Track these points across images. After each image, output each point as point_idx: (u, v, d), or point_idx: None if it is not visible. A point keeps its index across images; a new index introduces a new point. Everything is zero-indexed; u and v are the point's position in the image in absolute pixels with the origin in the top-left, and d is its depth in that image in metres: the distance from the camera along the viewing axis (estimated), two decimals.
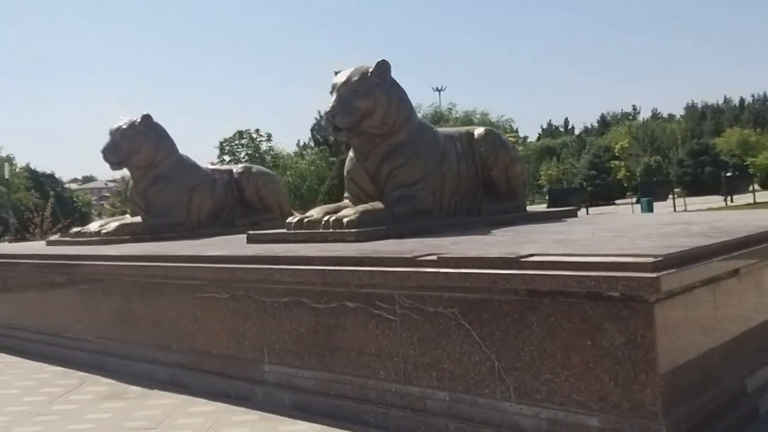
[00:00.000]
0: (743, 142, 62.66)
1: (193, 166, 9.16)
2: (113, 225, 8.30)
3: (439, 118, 42.22)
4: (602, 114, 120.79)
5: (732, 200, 29.72)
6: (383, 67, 6.26)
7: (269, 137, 47.03)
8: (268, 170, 10.26)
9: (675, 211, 24.22)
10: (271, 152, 45.32)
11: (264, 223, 9.35)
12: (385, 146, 6.30)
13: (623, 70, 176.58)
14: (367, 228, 5.65)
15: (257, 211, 9.56)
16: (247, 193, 9.45)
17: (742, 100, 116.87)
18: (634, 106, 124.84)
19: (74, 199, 43.36)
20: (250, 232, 6.46)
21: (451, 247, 4.28)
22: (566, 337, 3.30)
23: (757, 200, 29.47)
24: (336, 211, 6.17)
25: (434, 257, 3.79)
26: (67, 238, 8.53)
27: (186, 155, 9.22)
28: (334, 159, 37.86)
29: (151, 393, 5.14)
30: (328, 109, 6.13)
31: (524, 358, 3.45)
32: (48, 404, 5.05)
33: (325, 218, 5.87)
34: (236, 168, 9.62)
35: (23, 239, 20.53)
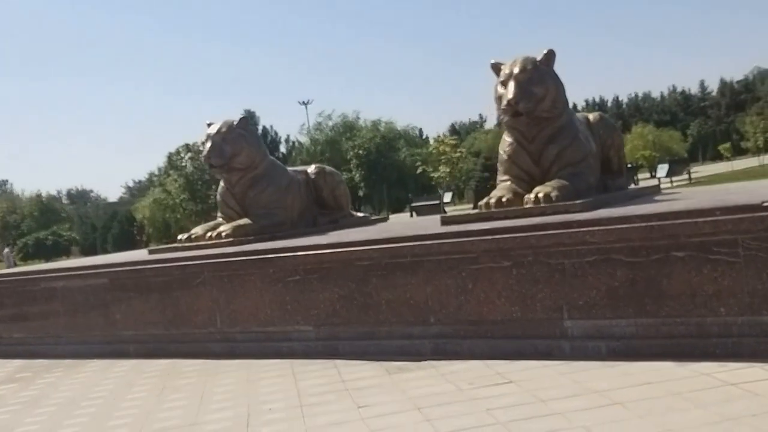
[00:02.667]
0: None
1: (282, 168, 9.14)
2: (225, 228, 8.14)
3: (349, 126, 42.59)
4: (452, 123, 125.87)
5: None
6: (552, 55, 6.74)
7: None
8: (337, 171, 10.32)
9: None
10: None
11: (341, 221, 9.52)
12: (550, 129, 6.75)
13: (467, 81, 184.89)
14: (566, 201, 6.10)
15: (332, 209, 9.64)
16: (324, 192, 9.49)
17: (574, 105, 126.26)
18: (480, 114, 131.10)
19: None
20: (443, 215, 6.68)
21: (718, 200, 4.83)
22: None
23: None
24: (514, 192, 6.55)
25: None
26: (177, 245, 8.26)
27: (272, 157, 9.19)
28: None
29: (429, 364, 5.29)
30: (510, 96, 6.49)
31: None
32: (342, 383, 5.08)
33: (531, 196, 6.23)
34: (310, 169, 9.62)
35: None
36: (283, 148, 52.56)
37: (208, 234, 8.14)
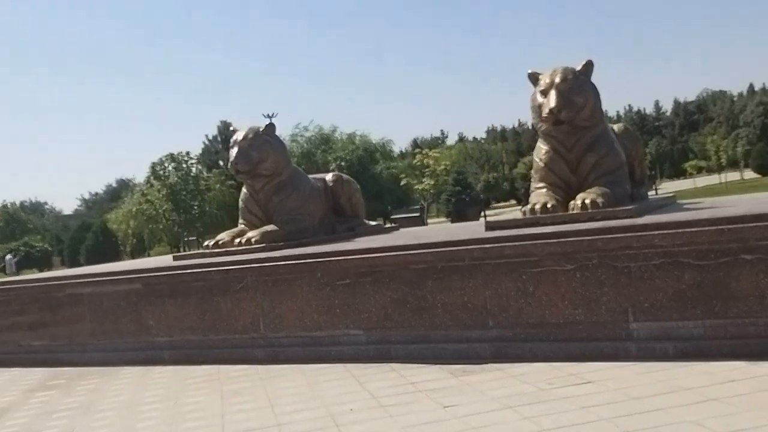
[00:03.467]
0: None
1: (304, 175, 9.09)
2: (252, 234, 8.04)
3: (325, 139, 42.66)
4: (414, 138, 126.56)
5: None
6: (590, 66, 6.86)
7: (199, 160, 44.54)
8: (353, 179, 10.28)
9: None
10: (202, 176, 43.00)
11: (358, 229, 9.51)
12: (588, 138, 6.86)
13: (431, 99, 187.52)
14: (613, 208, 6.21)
15: (348, 217, 9.62)
16: (342, 200, 9.48)
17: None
18: (442, 130, 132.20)
19: None
20: (489, 219, 6.72)
21: None
22: None
23: None
24: (554, 199, 6.62)
25: None
26: (205, 251, 8.14)
27: (294, 165, 9.14)
28: (233, 182, 37.90)
29: (492, 366, 5.29)
30: (553, 105, 6.57)
31: None
32: (410, 384, 5.05)
33: (577, 202, 6.31)
34: (329, 176, 9.60)
35: None
36: None
37: (237, 240, 8.05)
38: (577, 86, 6.69)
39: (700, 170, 71.04)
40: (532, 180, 7.29)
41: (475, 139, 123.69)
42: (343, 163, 39.14)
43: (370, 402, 4.71)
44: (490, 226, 6.54)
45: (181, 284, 6.95)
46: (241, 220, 8.80)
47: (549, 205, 6.47)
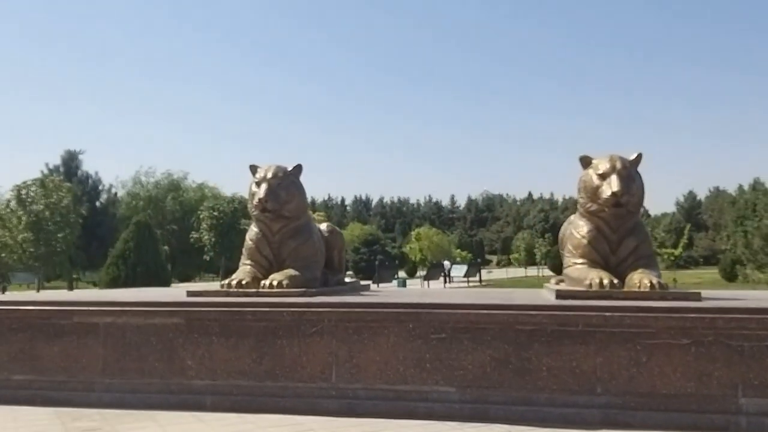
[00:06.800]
0: (367, 236, 71.54)
1: (314, 222, 8.65)
2: (280, 277, 7.41)
3: (176, 186, 40.06)
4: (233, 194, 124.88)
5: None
6: (640, 158, 7.33)
7: (70, 189, 38.35)
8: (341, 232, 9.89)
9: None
10: (72, 209, 36.90)
11: (347, 284, 9.21)
12: (631, 223, 7.29)
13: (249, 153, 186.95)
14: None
15: (334, 270, 9.25)
16: (334, 252, 9.14)
17: (343, 200, 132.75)
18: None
19: None
20: (558, 288, 6.80)
21: None
22: None
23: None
24: (607, 276, 6.89)
25: None
26: (230, 290, 7.33)
27: None
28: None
29: None
30: (617, 189, 6.88)
31: None
32: None
33: (645, 281, 6.57)
34: (324, 226, 9.20)
35: None
36: (104, 198, 48.07)
37: (264, 282, 7.38)
38: (632, 175, 7.12)
39: (508, 263, 77.17)
40: (567, 255, 7.53)
41: None
42: (216, 213, 37.30)
43: None
44: (560, 295, 6.62)
45: (236, 322, 6.23)
46: (248, 261, 8.08)
47: (615, 282, 6.70)
